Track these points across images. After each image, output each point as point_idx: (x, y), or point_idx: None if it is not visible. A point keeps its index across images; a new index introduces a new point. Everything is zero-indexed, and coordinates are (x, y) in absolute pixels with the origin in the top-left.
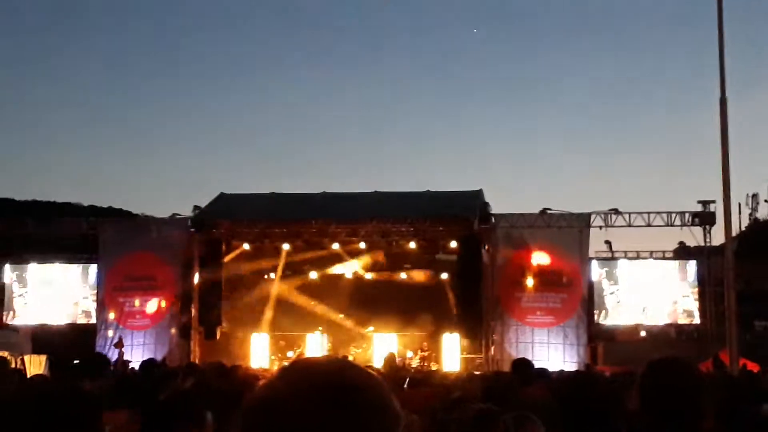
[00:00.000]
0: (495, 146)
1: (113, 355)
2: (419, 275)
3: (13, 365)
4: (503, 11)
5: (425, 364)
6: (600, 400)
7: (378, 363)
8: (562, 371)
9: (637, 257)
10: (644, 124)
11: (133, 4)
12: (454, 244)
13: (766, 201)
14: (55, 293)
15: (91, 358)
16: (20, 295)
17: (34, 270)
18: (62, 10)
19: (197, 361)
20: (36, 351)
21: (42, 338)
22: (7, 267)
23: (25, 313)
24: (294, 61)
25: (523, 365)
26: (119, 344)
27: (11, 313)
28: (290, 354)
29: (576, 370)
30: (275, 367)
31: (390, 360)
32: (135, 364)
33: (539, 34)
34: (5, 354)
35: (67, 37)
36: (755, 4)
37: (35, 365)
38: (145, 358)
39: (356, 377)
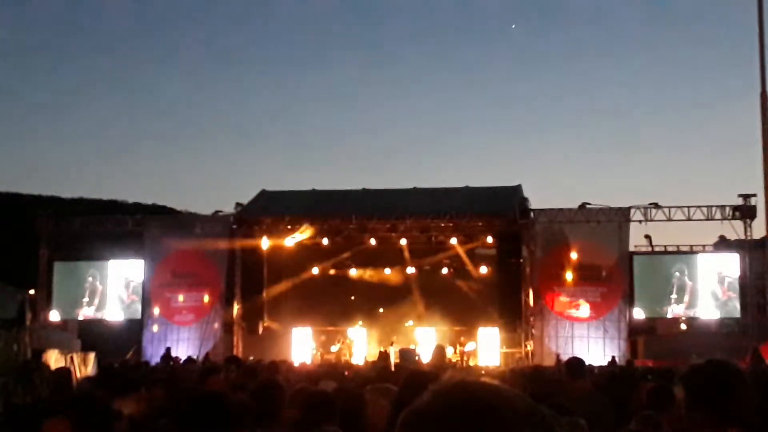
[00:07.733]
0: (534, 141)
1: (160, 349)
2: (458, 270)
3: (63, 363)
4: (542, 8)
5: (465, 358)
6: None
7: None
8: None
9: (677, 251)
10: (684, 117)
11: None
12: (493, 239)
13: None
14: (102, 290)
15: None
16: (67, 292)
17: (81, 267)
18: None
19: (240, 356)
20: (84, 347)
21: (89, 335)
22: (56, 264)
23: (73, 310)
24: (335, 57)
25: (575, 363)
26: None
27: (58, 310)
28: (333, 348)
29: (614, 365)
30: (317, 361)
31: (440, 352)
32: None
33: (577, 29)
34: (56, 352)
35: (116, 41)
36: None
37: (84, 363)
38: (190, 353)
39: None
